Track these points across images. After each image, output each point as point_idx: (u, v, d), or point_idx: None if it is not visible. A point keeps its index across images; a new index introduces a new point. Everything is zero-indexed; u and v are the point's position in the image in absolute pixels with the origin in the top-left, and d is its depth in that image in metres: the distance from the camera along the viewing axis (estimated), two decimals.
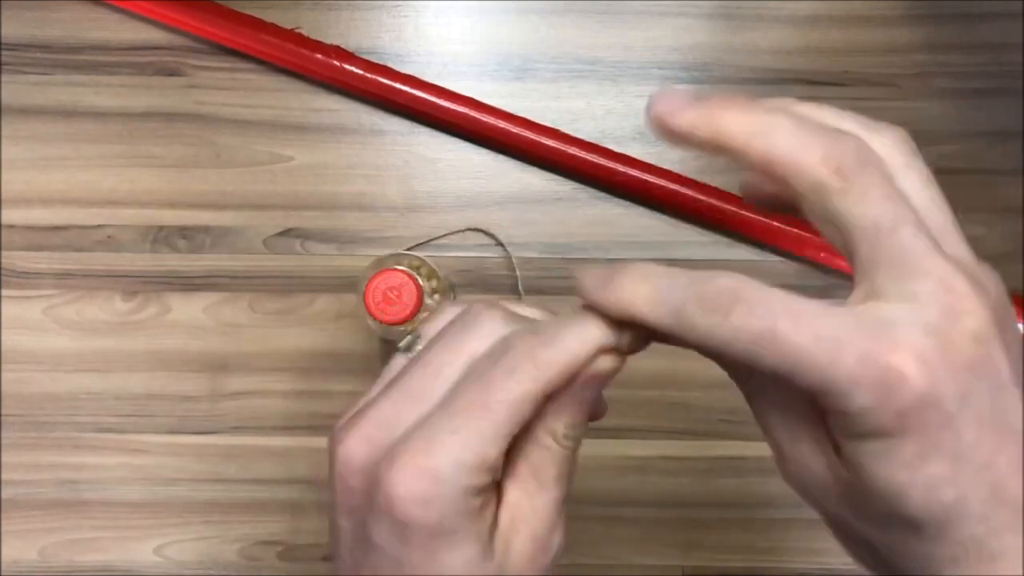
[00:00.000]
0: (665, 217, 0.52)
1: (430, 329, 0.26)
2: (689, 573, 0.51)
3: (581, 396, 0.24)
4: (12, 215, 0.53)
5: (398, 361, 0.26)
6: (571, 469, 0.25)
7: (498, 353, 0.23)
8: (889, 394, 0.19)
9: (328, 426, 0.50)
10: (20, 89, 0.54)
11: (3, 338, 0.53)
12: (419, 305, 0.44)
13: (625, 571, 0.52)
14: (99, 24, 0.54)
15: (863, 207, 0.21)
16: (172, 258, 0.53)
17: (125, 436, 0.52)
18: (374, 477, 0.22)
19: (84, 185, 0.53)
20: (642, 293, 0.22)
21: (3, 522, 0.52)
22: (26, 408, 0.52)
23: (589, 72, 0.54)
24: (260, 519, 0.52)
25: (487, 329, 0.24)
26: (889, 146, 0.25)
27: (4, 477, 0.52)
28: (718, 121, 0.23)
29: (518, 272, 0.52)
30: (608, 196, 0.52)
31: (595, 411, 0.25)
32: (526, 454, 0.24)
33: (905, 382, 0.19)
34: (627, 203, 0.52)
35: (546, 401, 0.23)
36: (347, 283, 0.53)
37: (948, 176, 0.56)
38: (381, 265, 0.46)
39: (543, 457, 0.24)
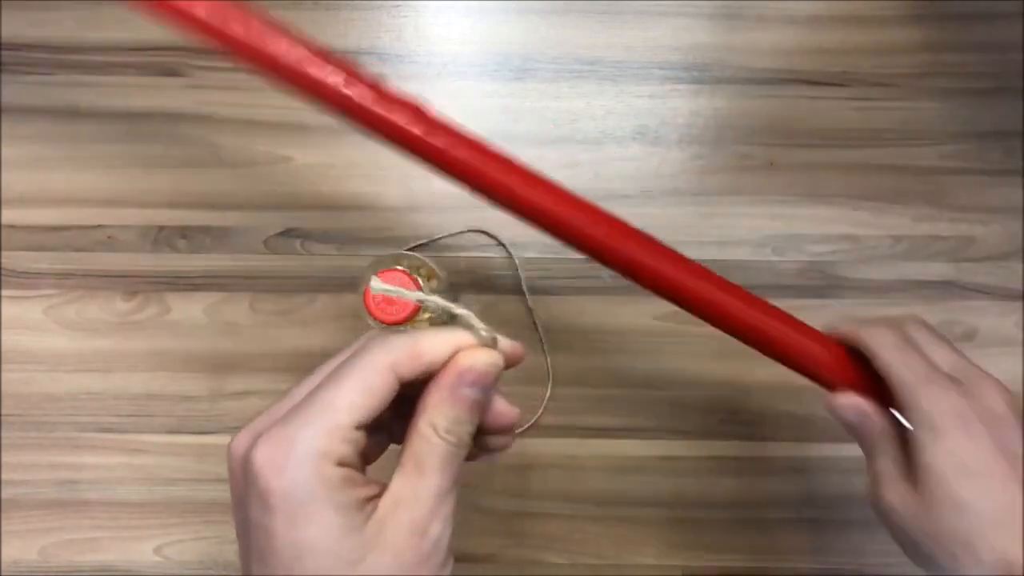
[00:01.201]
0: None
1: None
2: (689, 573, 0.51)
3: (460, 393, 0.26)
4: (12, 215, 0.53)
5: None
6: (456, 464, 0.26)
7: (372, 341, 0.26)
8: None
9: None
10: (20, 89, 0.54)
11: (3, 338, 0.53)
12: (419, 305, 0.44)
13: (625, 571, 0.52)
14: (99, 24, 0.54)
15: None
16: (172, 258, 0.53)
17: (125, 436, 0.52)
18: (247, 460, 0.24)
19: (84, 185, 0.53)
20: None
21: (3, 522, 0.52)
22: (26, 408, 0.52)
23: (589, 72, 0.54)
24: None
25: (363, 339, 0.26)
26: (993, 398, 0.32)
27: (4, 477, 0.52)
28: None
29: (522, 273, 0.52)
30: None
31: (486, 417, 0.27)
32: (411, 445, 0.26)
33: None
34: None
35: (418, 392, 0.26)
36: (347, 283, 0.53)
37: (948, 176, 0.57)
38: (381, 265, 0.46)
39: (424, 448, 0.25)
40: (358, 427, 0.25)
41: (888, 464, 0.34)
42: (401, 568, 0.24)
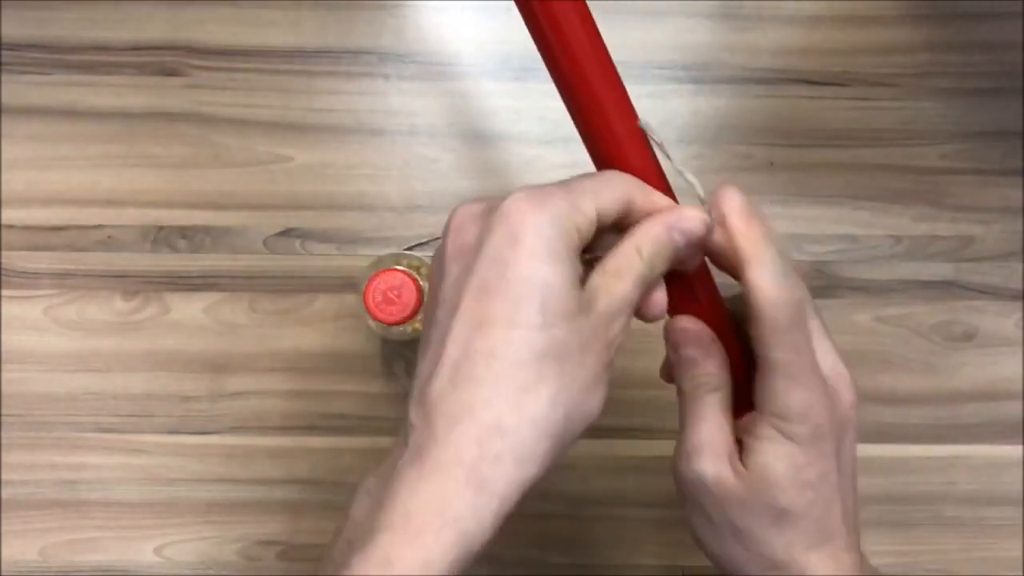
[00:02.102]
0: None
1: None
2: (689, 573, 0.51)
3: (670, 233, 0.28)
4: (12, 215, 0.53)
5: None
6: (642, 287, 0.28)
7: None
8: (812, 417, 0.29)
9: (328, 426, 0.50)
10: (20, 89, 0.54)
11: (3, 338, 0.53)
12: (419, 305, 0.44)
13: (625, 571, 0.52)
14: (99, 24, 0.54)
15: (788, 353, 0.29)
16: (172, 258, 0.53)
17: (125, 436, 0.52)
18: (491, 211, 0.26)
19: (84, 185, 0.53)
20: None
21: (3, 522, 0.52)
22: (26, 408, 0.52)
23: None
24: (260, 519, 0.52)
25: (623, 183, 0.29)
26: (849, 404, 0.31)
27: (4, 477, 0.52)
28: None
29: None
30: None
31: (685, 264, 0.29)
32: (614, 258, 0.28)
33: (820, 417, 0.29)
34: None
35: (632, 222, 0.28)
36: (347, 283, 0.53)
37: (948, 176, 0.57)
38: (381, 265, 0.46)
39: (625, 263, 0.28)
40: (596, 215, 0.27)
41: (716, 434, 0.30)
42: (594, 339, 0.27)
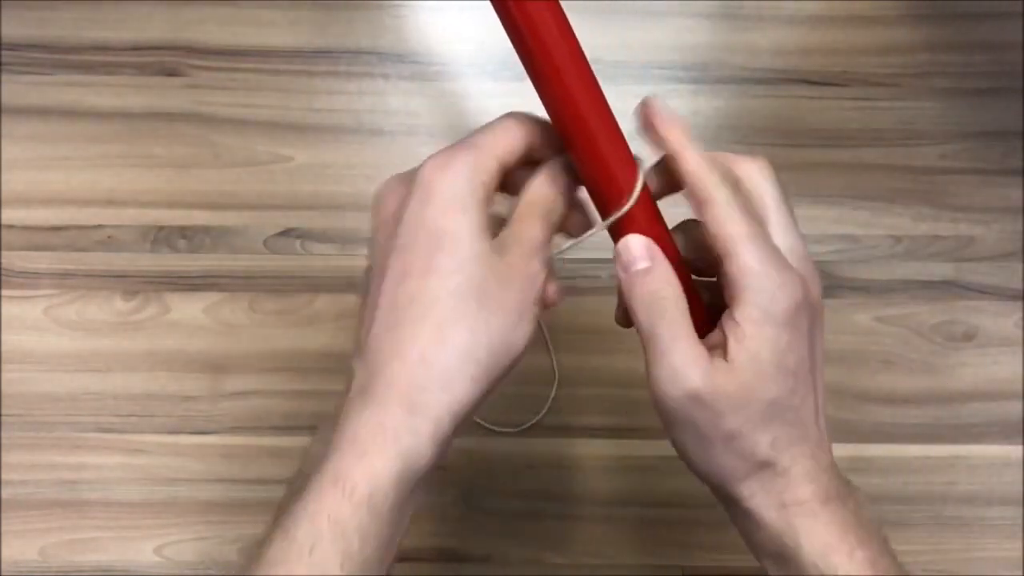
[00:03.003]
0: None
1: None
2: (689, 573, 0.51)
3: (551, 189, 0.31)
4: (12, 215, 0.53)
5: None
6: (550, 227, 0.31)
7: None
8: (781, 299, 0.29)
9: None
10: (20, 89, 0.54)
11: (3, 338, 0.53)
12: None
13: (625, 571, 0.52)
14: (99, 24, 0.54)
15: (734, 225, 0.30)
16: (172, 258, 0.53)
17: (125, 436, 0.52)
18: (408, 181, 0.29)
19: (84, 185, 0.53)
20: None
21: (3, 522, 0.52)
22: (26, 408, 0.52)
23: None
24: (260, 519, 0.51)
25: (519, 123, 0.32)
26: (755, 170, 0.32)
27: (4, 477, 0.52)
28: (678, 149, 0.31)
29: None
30: None
31: (567, 223, 0.33)
32: (519, 208, 0.31)
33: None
34: None
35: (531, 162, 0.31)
36: (347, 283, 0.53)
37: (948, 176, 0.57)
38: None
39: (524, 211, 0.31)
40: (498, 165, 0.30)
41: (694, 346, 0.30)
42: (512, 276, 0.29)
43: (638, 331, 0.32)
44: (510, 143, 0.31)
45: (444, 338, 0.28)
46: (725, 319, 0.30)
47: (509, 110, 0.33)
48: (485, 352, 0.28)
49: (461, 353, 0.28)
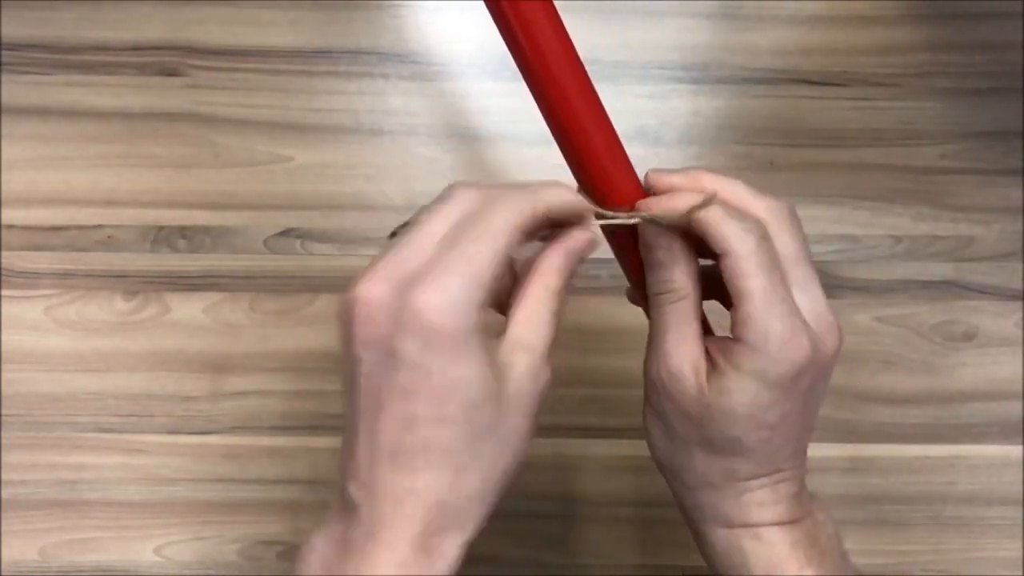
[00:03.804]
0: None
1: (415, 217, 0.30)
2: (689, 573, 0.51)
3: (574, 261, 0.30)
4: (12, 215, 0.53)
5: (388, 243, 0.30)
6: (557, 318, 0.30)
7: (484, 200, 0.28)
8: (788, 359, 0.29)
9: (328, 426, 0.50)
10: (20, 89, 0.54)
11: (3, 338, 0.53)
12: None
13: (625, 571, 0.52)
14: (99, 24, 0.54)
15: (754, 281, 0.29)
16: (172, 258, 0.53)
17: (125, 436, 0.52)
18: (399, 304, 0.27)
19: (84, 185, 0.53)
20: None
21: (3, 522, 0.52)
22: (26, 408, 0.52)
23: (589, 72, 0.54)
24: (260, 519, 0.52)
25: (465, 195, 0.29)
26: (774, 215, 0.31)
27: (4, 477, 0.52)
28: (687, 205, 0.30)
29: None
30: None
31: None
32: (524, 301, 0.29)
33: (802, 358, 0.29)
34: None
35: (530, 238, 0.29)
36: (347, 283, 0.52)
37: (948, 176, 0.57)
38: None
39: (538, 307, 0.29)
40: (492, 277, 0.28)
41: (685, 343, 0.31)
42: (519, 402, 0.28)
43: (648, 305, 0.33)
44: (501, 243, 0.28)
45: (462, 484, 0.28)
46: (726, 341, 0.31)
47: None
48: (501, 482, 0.29)
49: (479, 493, 0.28)
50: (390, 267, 0.28)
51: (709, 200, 0.30)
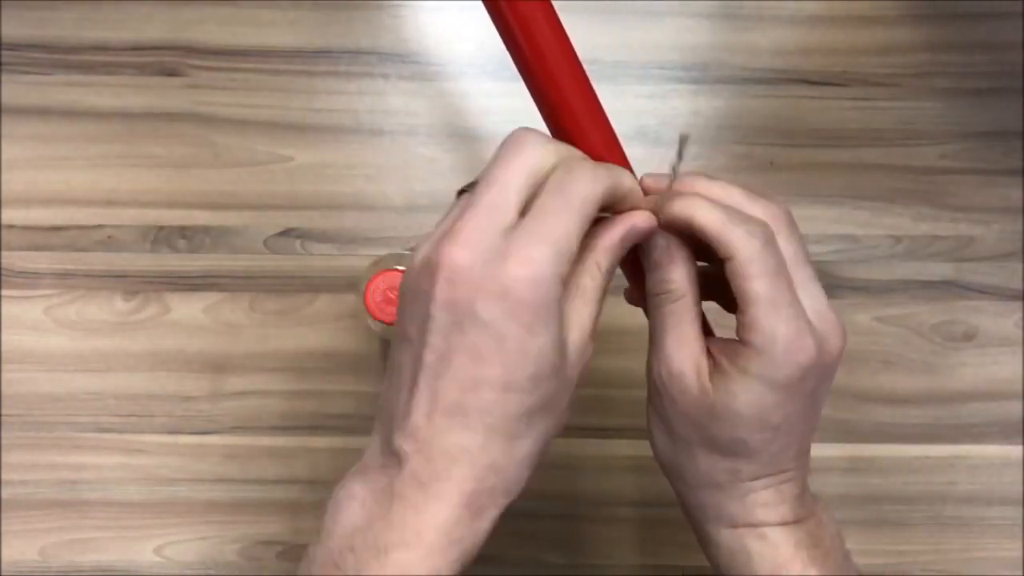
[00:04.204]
0: None
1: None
2: (689, 573, 0.51)
3: (626, 242, 0.30)
4: (12, 215, 0.53)
5: (459, 200, 0.30)
6: (604, 295, 0.30)
7: (565, 169, 0.29)
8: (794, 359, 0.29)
9: (328, 426, 0.50)
10: (20, 89, 0.54)
11: (3, 338, 0.53)
12: None
13: (625, 571, 0.52)
14: (99, 24, 0.54)
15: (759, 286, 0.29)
16: (172, 258, 0.53)
17: (125, 436, 0.52)
18: (484, 271, 0.27)
19: (84, 185, 0.53)
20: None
21: (3, 522, 0.52)
22: (26, 408, 0.52)
23: (589, 72, 0.54)
24: (260, 519, 0.52)
25: (536, 146, 0.29)
26: (771, 218, 0.31)
27: (4, 477, 0.52)
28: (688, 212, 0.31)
29: None
30: None
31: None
32: (579, 277, 0.29)
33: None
34: None
35: (593, 228, 0.29)
36: (347, 283, 0.53)
37: (948, 176, 0.57)
38: (381, 265, 0.46)
39: (589, 284, 0.30)
40: (577, 245, 0.28)
41: (687, 344, 0.31)
42: (572, 374, 0.29)
43: (648, 304, 0.33)
44: (585, 219, 0.28)
45: (514, 449, 0.28)
46: (730, 342, 0.31)
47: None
48: (543, 451, 0.29)
49: (528, 459, 0.29)
50: (470, 233, 0.28)
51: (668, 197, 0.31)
